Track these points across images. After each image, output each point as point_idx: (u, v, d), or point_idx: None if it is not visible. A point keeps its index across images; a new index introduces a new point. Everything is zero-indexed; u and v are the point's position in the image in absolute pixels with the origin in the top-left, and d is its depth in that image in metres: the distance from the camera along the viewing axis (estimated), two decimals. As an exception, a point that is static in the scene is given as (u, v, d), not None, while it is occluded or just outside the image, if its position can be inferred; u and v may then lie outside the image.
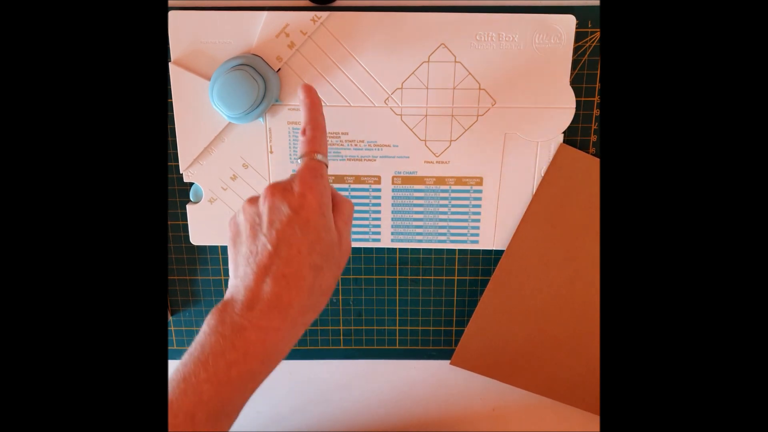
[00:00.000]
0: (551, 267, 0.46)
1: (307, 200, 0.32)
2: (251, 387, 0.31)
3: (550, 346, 0.48)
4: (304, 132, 0.35)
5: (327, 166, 0.35)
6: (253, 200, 0.34)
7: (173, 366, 0.31)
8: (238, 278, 0.32)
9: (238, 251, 0.33)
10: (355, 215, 0.46)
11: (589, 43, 0.42)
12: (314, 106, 0.36)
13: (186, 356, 0.31)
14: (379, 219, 0.46)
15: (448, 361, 0.50)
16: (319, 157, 0.34)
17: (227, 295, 0.33)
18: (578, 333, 0.47)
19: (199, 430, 0.29)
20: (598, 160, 0.44)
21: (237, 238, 0.34)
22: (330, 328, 0.50)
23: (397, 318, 0.49)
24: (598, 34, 0.41)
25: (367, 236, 0.46)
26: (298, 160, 0.35)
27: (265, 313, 0.31)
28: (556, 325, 0.47)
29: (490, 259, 0.47)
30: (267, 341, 0.31)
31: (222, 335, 0.31)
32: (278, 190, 0.33)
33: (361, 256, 0.47)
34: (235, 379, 0.30)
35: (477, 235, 0.46)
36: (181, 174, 0.44)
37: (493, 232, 0.46)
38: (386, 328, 0.50)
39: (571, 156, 0.43)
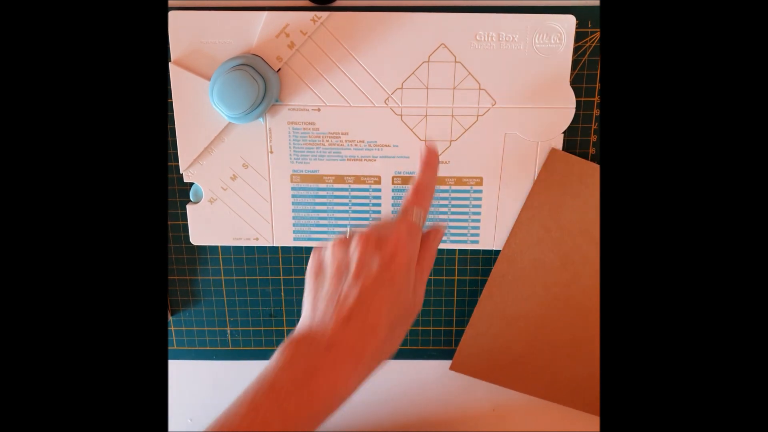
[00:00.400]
0: (546, 271, 0.46)
1: (397, 260, 0.33)
2: (317, 425, 0.32)
3: (548, 349, 0.48)
4: (415, 188, 0.36)
5: (424, 224, 0.36)
6: (344, 243, 0.35)
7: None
8: (317, 317, 0.33)
9: (319, 288, 0.34)
10: (355, 216, 0.46)
11: (589, 43, 0.42)
12: (431, 166, 0.37)
13: (256, 384, 0.32)
14: (379, 219, 0.46)
15: (449, 362, 0.50)
16: (419, 215, 0.35)
17: (303, 329, 0.33)
18: (576, 336, 0.47)
19: None
20: (590, 163, 0.44)
21: (320, 274, 0.35)
22: (330, 328, 0.50)
23: (397, 318, 0.49)
24: (598, 34, 0.42)
25: (367, 236, 0.46)
26: (399, 211, 0.35)
27: (339, 360, 0.32)
28: (554, 328, 0.47)
29: (490, 259, 0.47)
30: (337, 386, 0.32)
31: (295, 374, 0.31)
32: (372, 241, 0.33)
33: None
34: (303, 418, 0.31)
35: (477, 235, 0.46)
36: (181, 174, 0.44)
37: (493, 232, 0.46)
38: (386, 328, 0.50)
39: (563, 160, 0.43)
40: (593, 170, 0.43)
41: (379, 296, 0.32)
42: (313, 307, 0.34)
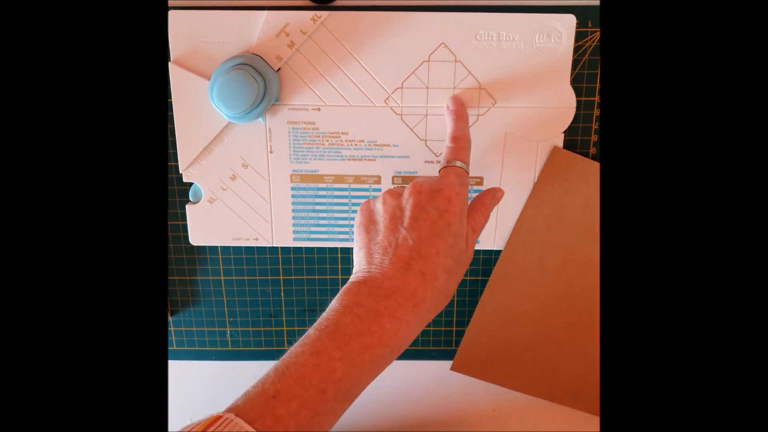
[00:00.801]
0: (548, 270, 0.46)
1: (452, 205, 0.34)
2: (377, 373, 0.32)
3: (551, 349, 0.48)
4: (452, 140, 0.38)
5: (468, 174, 0.37)
6: (395, 194, 0.35)
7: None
8: (374, 266, 0.33)
9: (373, 239, 0.34)
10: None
11: (589, 43, 0.42)
12: (462, 117, 0.39)
13: (315, 331, 0.32)
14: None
15: (449, 362, 0.50)
16: (463, 165, 0.36)
17: (358, 277, 0.33)
18: (578, 335, 0.47)
19: (327, 407, 0.30)
20: (592, 161, 0.44)
21: (371, 226, 0.35)
22: (330, 328, 0.49)
23: (397, 318, 0.49)
24: (598, 34, 0.41)
25: (367, 236, 0.46)
26: (442, 165, 0.37)
27: (400, 305, 0.32)
28: (556, 327, 0.47)
29: (491, 259, 0.47)
30: (399, 332, 0.32)
31: (358, 317, 0.31)
32: (425, 189, 0.34)
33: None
34: (367, 363, 0.31)
35: (477, 235, 0.46)
36: (181, 174, 0.44)
37: (493, 233, 0.46)
38: (386, 328, 0.49)
39: (565, 158, 0.43)
40: (596, 168, 0.43)
41: (437, 243, 0.33)
42: (368, 257, 0.34)
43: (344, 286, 0.33)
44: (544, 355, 0.48)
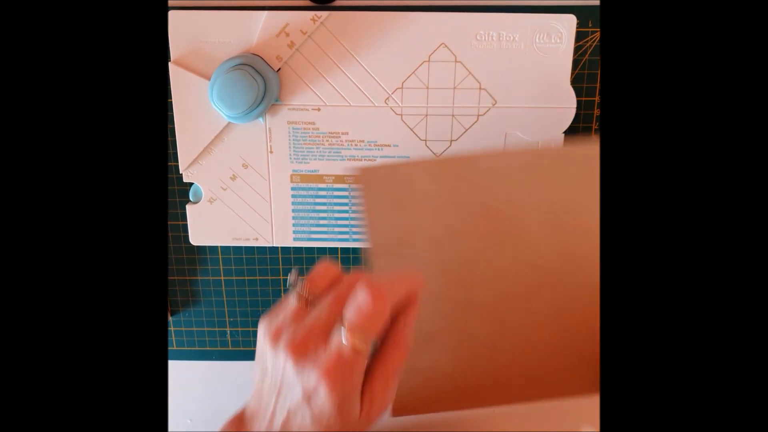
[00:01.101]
0: (438, 286, 0.40)
1: (321, 398, 0.28)
2: None
3: (496, 351, 0.43)
4: (358, 311, 0.29)
5: (369, 348, 0.29)
6: (275, 337, 0.30)
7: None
8: (253, 414, 0.32)
9: (257, 378, 0.32)
10: (355, 215, 0.45)
11: (589, 43, 0.42)
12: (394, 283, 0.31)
13: None
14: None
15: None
16: (361, 343, 0.28)
17: (246, 414, 0.32)
18: (536, 323, 0.42)
19: None
20: (405, 163, 0.39)
21: (265, 371, 0.31)
22: (330, 328, 0.49)
23: (397, 318, 0.49)
24: (598, 34, 0.41)
25: (367, 236, 0.46)
26: (342, 328, 0.29)
27: None
28: (511, 326, 0.42)
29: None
30: None
31: None
32: (299, 363, 0.29)
33: (362, 256, 0.47)
34: None
35: (477, 235, 0.46)
36: (181, 174, 0.44)
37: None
38: (386, 328, 0.49)
39: (375, 175, 0.38)
40: (420, 168, 0.38)
41: (309, 423, 0.29)
42: (252, 396, 0.32)
43: (234, 415, 0.32)
44: (507, 357, 0.43)
